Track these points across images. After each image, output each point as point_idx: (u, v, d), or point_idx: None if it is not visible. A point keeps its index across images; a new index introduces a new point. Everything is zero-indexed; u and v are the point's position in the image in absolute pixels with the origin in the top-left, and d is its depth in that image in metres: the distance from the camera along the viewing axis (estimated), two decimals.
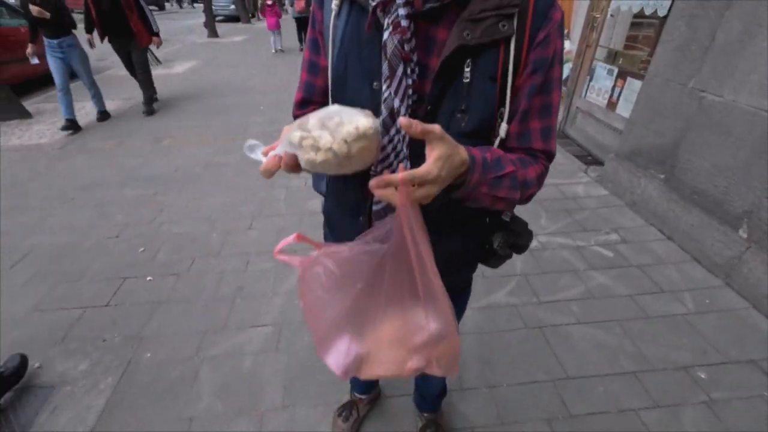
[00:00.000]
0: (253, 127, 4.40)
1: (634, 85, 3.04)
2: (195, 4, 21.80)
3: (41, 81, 6.33)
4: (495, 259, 0.82)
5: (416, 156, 0.64)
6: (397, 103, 0.58)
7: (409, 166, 0.64)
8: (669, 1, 2.58)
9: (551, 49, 0.59)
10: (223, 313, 1.89)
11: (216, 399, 1.50)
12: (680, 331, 1.79)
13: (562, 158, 3.48)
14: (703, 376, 1.59)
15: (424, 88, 0.60)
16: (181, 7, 22.11)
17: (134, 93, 5.68)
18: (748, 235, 1.94)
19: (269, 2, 8.58)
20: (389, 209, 0.68)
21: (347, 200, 0.76)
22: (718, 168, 2.08)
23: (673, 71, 2.35)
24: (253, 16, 18.34)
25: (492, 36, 0.55)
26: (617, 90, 3.26)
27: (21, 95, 5.20)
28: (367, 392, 1.42)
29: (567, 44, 4.29)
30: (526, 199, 0.64)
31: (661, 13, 2.76)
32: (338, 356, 0.60)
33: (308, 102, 0.78)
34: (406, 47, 0.56)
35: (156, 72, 7.10)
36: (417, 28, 0.56)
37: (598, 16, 3.41)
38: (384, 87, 0.58)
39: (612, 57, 3.40)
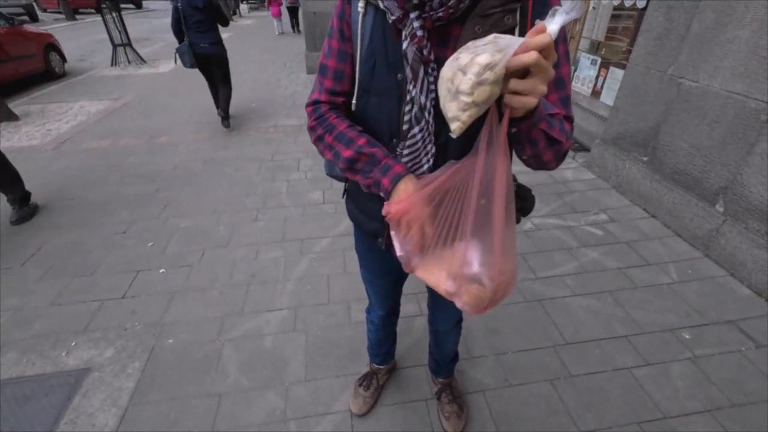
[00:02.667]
0: (248, 123, 4.44)
1: (616, 74, 3.20)
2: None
3: (24, 82, 6.22)
4: None
5: (440, 145, 0.75)
6: (423, 99, 0.68)
7: (434, 151, 0.74)
8: None
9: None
10: (239, 299, 1.97)
11: (242, 375, 1.59)
12: (666, 298, 1.95)
13: None
14: (687, 336, 1.74)
15: None
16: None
17: (124, 92, 5.64)
18: (725, 209, 2.11)
19: None
20: None
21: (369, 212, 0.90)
22: (696, 148, 2.25)
23: (653, 59, 2.51)
24: (235, 14, 18.10)
25: (499, 28, 0.65)
26: (600, 79, 3.42)
27: (5, 97, 5.09)
28: (385, 363, 1.53)
29: None
30: (563, 154, 0.72)
31: (640, 4, 2.92)
32: (405, 243, 0.73)
33: (337, 92, 0.81)
34: (424, 52, 0.65)
35: (141, 71, 7.04)
36: (432, 28, 0.65)
37: None
38: (410, 87, 0.68)
39: (595, 47, 3.56)
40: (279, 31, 12.25)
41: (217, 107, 4.21)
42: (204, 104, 5.12)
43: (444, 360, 1.42)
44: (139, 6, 21.64)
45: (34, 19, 15.14)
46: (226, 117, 4.15)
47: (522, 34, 0.67)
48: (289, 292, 2.02)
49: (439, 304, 1.20)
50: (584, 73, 3.64)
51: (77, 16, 16.12)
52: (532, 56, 0.48)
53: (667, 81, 2.41)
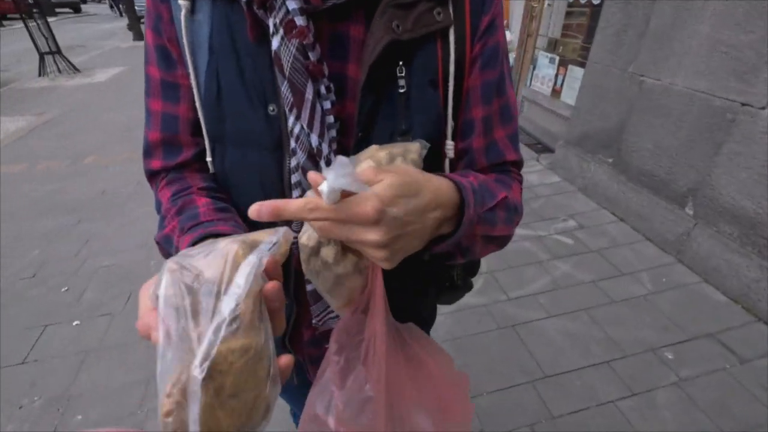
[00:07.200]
0: None
1: (575, 72, 3.11)
2: (116, 9, 19.37)
3: None
4: (453, 294, 0.72)
5: None
6: (315, 140, 0.42)
7: None
8: None
9: (500, 35, 0.48)
10: None
11: None
12: (642, 312, 1.83)
13: None
14: (669, 356, 1.62)
15: (344, 110, 0.45)
16: (116, 9, 18.35)
17: (50, 106, 5.06)
18: (694, 212, 2.03)
19: None
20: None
21: None
22: (662, 149, 2.16)
23: (613, 57, 2.41)
24: None
25: (428, 27, 0.43)
26: (560, 78, 3.34)
27: None
28: None
29: (507, 34, 4.36)
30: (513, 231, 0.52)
31: (595, 1, 2.83)
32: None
33: (171, 144, 0.51)
34: (312, 56, 0.40)
35: (72, 82, 6.42)
36: (317, 25, 0.41)
37: (536, 5, 3.47)
38: (291, 118, 0.42)
39: (552, 45, 3.47)
40: None
41: None
42: (143, 117, 4.67)
43: None
44: (77, 10, 20.15)
45: None
46: None
47: (459, 38, 0.45)
48: None
49: None
50: (543, 72, 3.55)
51: (5, 22, 14.75)
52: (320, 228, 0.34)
53: (628, 79, 2.32)
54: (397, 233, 0.34)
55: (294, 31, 0.39)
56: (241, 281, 0.29)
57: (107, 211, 2.71)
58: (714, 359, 1.60)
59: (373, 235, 0.33)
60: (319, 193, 0.32)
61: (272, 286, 0.31)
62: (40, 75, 6.69)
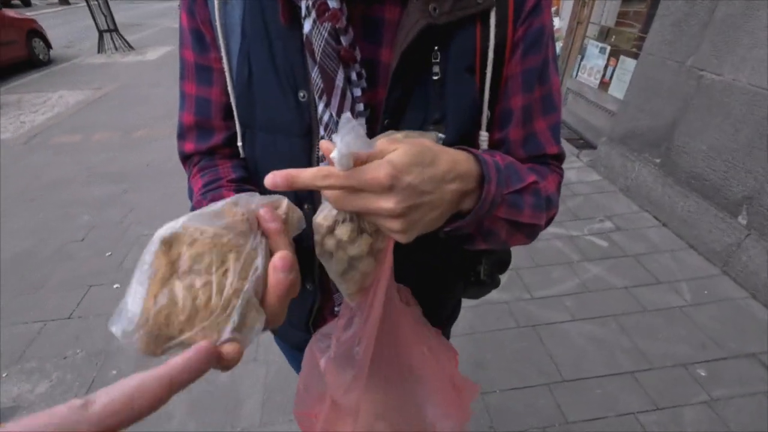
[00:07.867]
0: None
1: (627, 64, 2.91)
2: None
3: (7, 71, 5.97)
4: (479, 289, 0.71)
5: None
6: None
7: None
8: None
9: (546, 17, 0.44)
10: None
11: (189, 418, 1.39)
12: (678, 324, 1.72)
13: None
14: (703, 374, 1.52)
15: (375, 97, 0.43)
16: None
17: (106, 82, 5.38)
18: (748, 222, 1.86)
19: None
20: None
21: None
22: (717, 151, 1.98)
23: (670, 49, 2.23)
24: None
25: (467, 9, 0.40)
26: (610, 69, 3.13)
27: None
28: None
29: (556, 21, 4.12)
30: (545, 225, 0.48)
31: None
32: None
33: (204, 128, 0.51)
34: (344, 40, 0.39)
35: (126, 59, 6.77)
36: (350, 7, 0.39)
37: None
38: (320, 105, 0.41)
39: (604, 34, 3.25)
40: None
41: None
42: None
43: None
44: None
45: (27, 4, 14.80)
46: None
47: (501, 20, 0.42)
48: None
49: None
50: (591, 63, 3.34)
51: (71, 1, 15.73)
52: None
53: (685, 73, 2.13)
54: (413, 203, 0.32)
55: (326, 14, 0.37)
56: (227, 198, 0.31)
57: (151, 183, 2.87)
58: (753, 381, 1.49)
59: (387, 203, 0.31)
60: (332, 162, 0.32)
61: (265, 209, 0.31)
62: (98, 52, 7.11)
